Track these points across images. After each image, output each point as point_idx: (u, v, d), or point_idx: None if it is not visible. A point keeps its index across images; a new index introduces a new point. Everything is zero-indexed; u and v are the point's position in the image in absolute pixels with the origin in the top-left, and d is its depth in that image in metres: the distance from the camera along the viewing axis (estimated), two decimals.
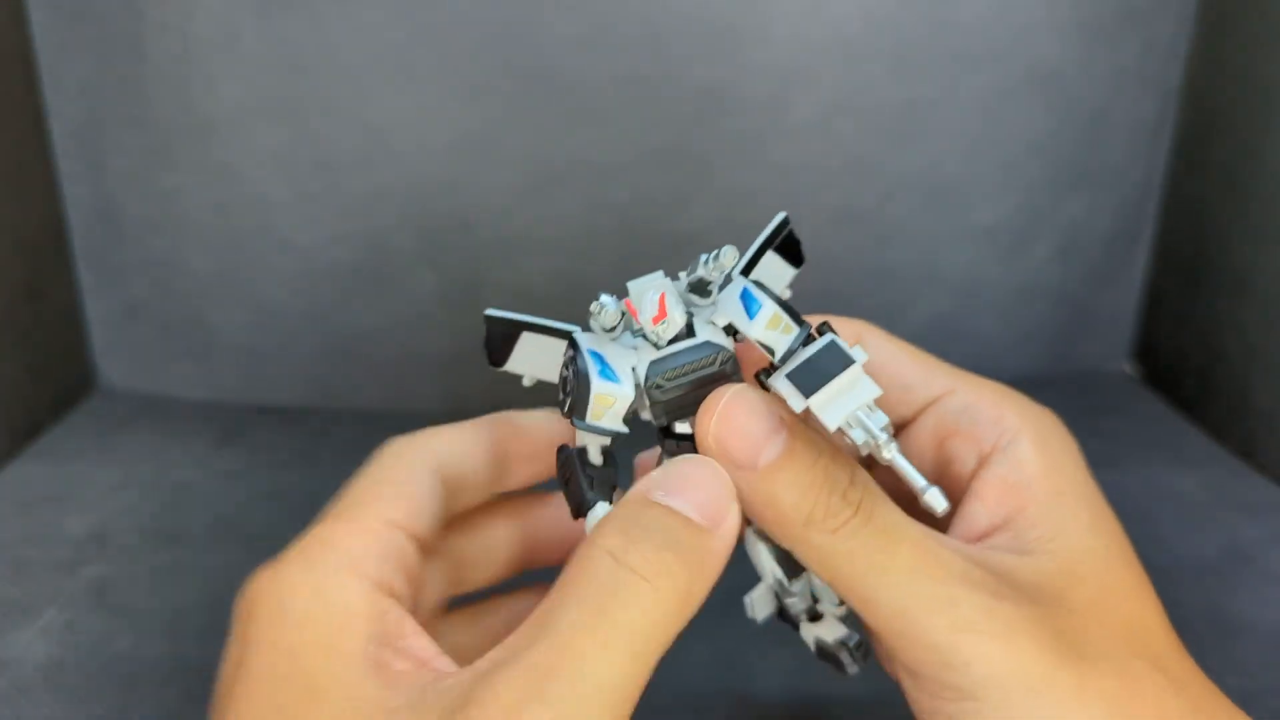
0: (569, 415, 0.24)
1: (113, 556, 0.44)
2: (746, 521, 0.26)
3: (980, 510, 0.26)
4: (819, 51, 0.56)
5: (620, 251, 0.59)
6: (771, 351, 0.24)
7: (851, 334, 0.29)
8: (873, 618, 0.23)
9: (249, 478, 0.51)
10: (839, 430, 0.23)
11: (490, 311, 0.26)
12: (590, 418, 0.24)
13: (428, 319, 0.59)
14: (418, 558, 0.25)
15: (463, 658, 0.23)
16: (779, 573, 0.28)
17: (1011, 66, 0.57)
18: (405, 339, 0.60)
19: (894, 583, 0.23)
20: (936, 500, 0.23)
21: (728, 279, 0.25)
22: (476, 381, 0.59)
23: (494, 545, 0.30)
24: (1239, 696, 0.30)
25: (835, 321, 0.26)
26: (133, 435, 0.56)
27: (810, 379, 0.23)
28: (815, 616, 0.29)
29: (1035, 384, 0.63)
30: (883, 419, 0.23)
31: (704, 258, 0.24)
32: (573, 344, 0.25)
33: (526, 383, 0.27)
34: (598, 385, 0.23)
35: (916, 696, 0.24)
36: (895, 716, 0.27)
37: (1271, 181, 0.52)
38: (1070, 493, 0.26)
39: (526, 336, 0.26)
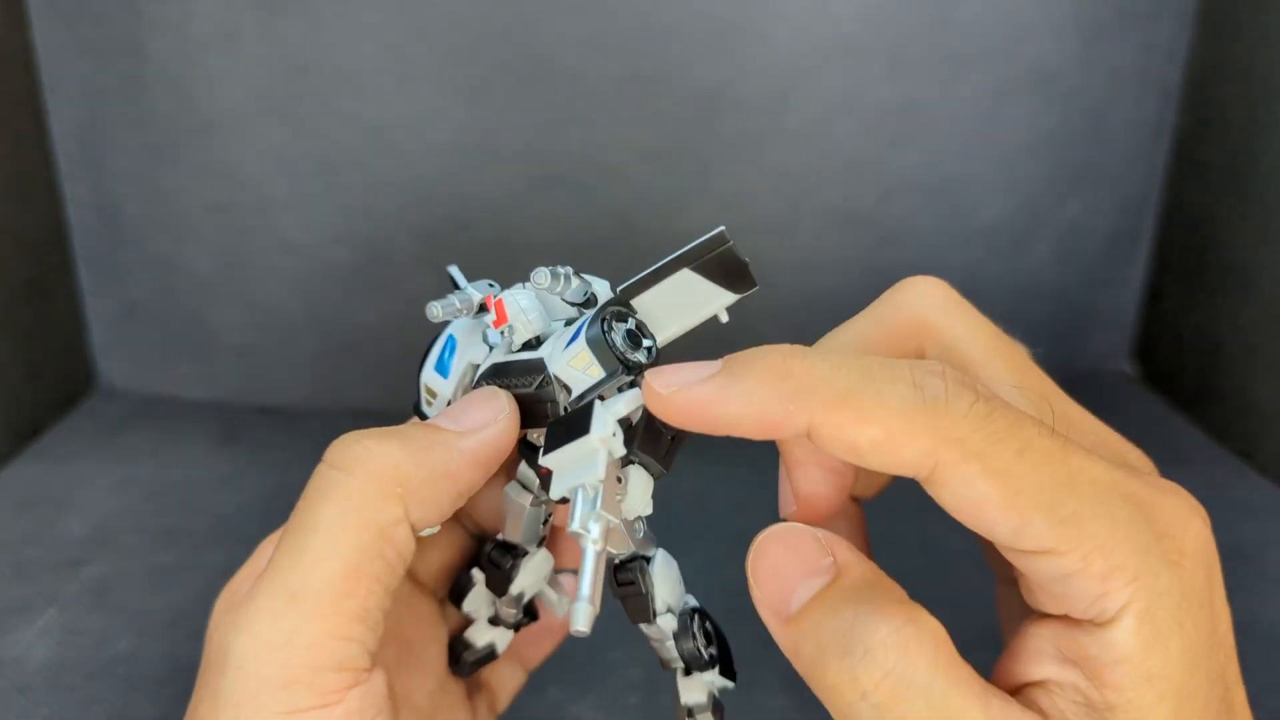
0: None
1: (113, 556, 0.44)
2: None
3: (1045, 665, 0.22)
4: (819, 51, 0.56)
5: (620, 251, 0.59)
6: (568, 390, 0.23)
7: (910, 323, 0.25)
8: None
9: (249, 478, 0.51)
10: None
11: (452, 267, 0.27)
12: (423, 405, 0.24)
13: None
14: (391, 597, 0.23)
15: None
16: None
17: (1011, 66, 0.57)
18: (405, 339, 0.60)
19: None
20: (578, 619, 0.19)
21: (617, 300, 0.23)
22: None
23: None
24: None
25: (918, 282, 0.25)
26: (133, 435, 0.56)
27: (558, 436, 0.21)
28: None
29: None
30: (605, 517, 0.20)
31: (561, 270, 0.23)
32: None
33: None
34: (426, 375, 0.24)
35: None
36: None
37: (1271, 181, 0.52)
38: (1162, 676, 0.21)
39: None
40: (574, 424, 0.21)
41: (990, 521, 0.20)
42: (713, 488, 0.49)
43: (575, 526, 0.20)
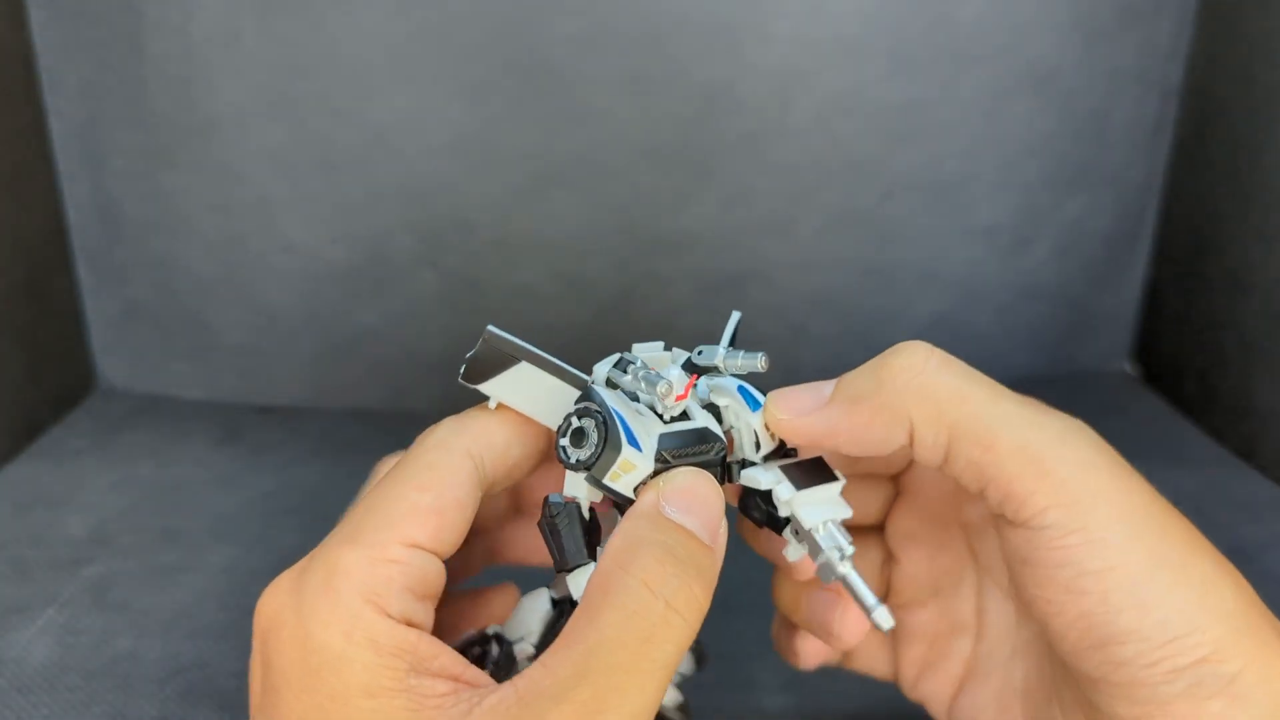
0: (582, 469, 0.24)
1: (113, 556, 0.44)
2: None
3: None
4: (819, 51, 0.56)
5: (620, 251, 0.59)
6: (757, 446, 0.26)
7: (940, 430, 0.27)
8: (991, 463, 0.24)
9: (249, 478, 0.51)
10: (807, 531, 0.26)
11: (492, 329, 0.25)
12: (608, 479, 0.24)
13: (428, 319, 0.59)
14: (441, 575, 0.25)
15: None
16: None
17: (1011, 66, 0.57)
18: (405, 339, 0.60)
19: (990, 411, 0.24)
20: (884, 619, 0.26)
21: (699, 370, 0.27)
22: None
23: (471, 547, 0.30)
24: None
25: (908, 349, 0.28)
26: (133, 435, 0.56)
27: (799, 479, 0.26)
28: None
29: (1035, 384, 0.63)
30: (847, 539, 0.26)
31: (722, 352, 0.27)
32: (591, 397, 0.25)
33: (492, 404, 0.26)
34: (627, 451, 0.24)
35: (1036, 554, 0.24)
36: (893, 718, 0.27)
37: (1271, 181, 0.52)
38: (1110, 500, 0.25)
39: (525, 367, 0.26)
40: (804, 470, 0.26)
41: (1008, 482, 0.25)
42: None
43: (840, 566, 0.26)
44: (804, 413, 0.26)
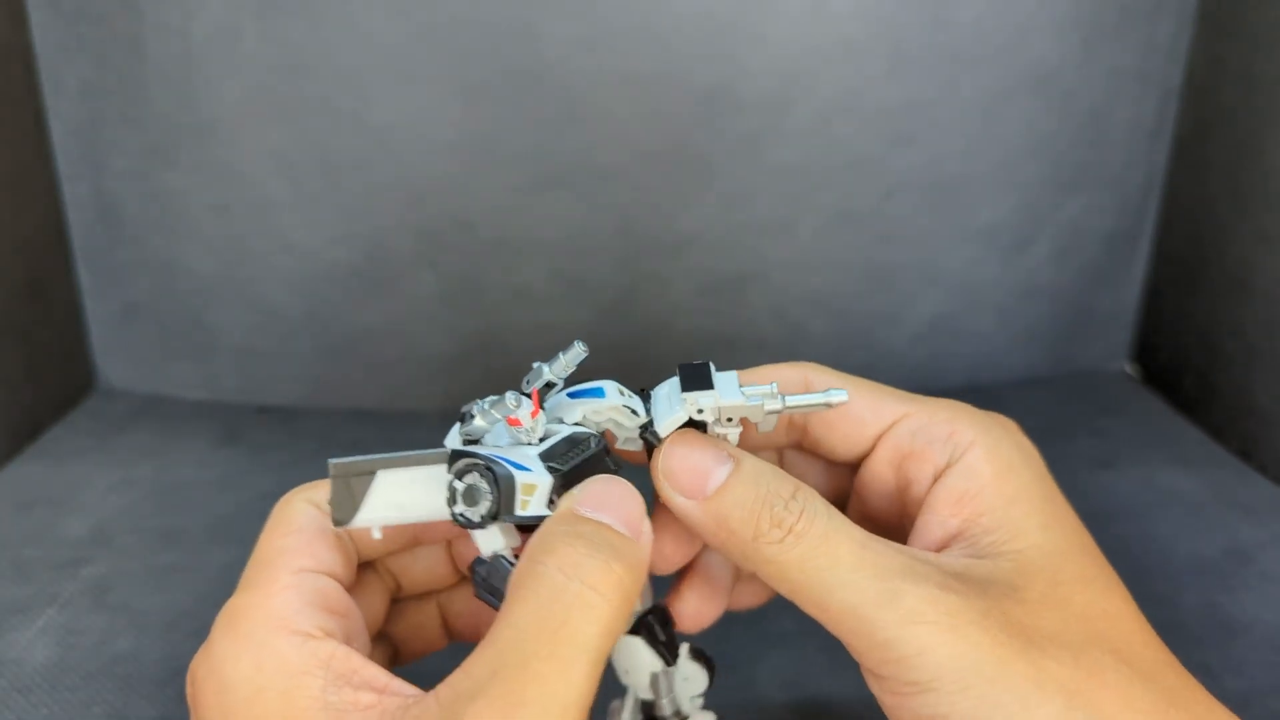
0: (492, 518, 0.24)
1: (113, 556, 0.44)
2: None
3: (934, 522, 0.27)
4: (819, 51, 0.56)
5: (620, 252, 0.59)
6: (635, 413, 0.27)
7: (798, 377, 0.29)
8: (829, 622, 0.24)
9: (249, 478, 0.51)
10: (731, 405, 0.27)
11: (333, 460, 0.26)
12: (519, 508, 0.24)
13: (428, 319, 0.59)
14: (341, 592, 0.26)
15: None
16: (658, 665, 0.28)
17: (1010, 66, 0.57)
18: (405, 339, 0.60)
19: (840, 583, 0.24)
20: (838, 396, 0.26)
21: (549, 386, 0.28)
22: (476, 381, 0.59)
23: (432, 556, 0.30)
24: (1238, 696, 0.30)
25: (782, 367, 0.29)
26: (133, 435, 0.56)
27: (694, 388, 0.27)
28: None
29: (1035, 384, 0.63)
30: (766, 386, 0.27)
31: (545, 366, 0.27)
32: (465, 455, 0.25)
33: (376, 534, 0.26)
34: (520, 475, 0.24)
35: (884, 699, 0.24)
36: None
37: (1271, 181, 0.52)
38: (1023, 498, 0.26)
39: (383, 475, 0.26)
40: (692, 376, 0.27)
41: (857, 411, 0.28)
42: None
43: (766, 403, 0.26)
44: (689, 495, 0.26)
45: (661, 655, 0.28)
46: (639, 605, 0.28)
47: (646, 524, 0.25)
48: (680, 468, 0.26)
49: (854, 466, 0.30)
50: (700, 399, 0.26)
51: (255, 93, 0.55)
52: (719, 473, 0.25)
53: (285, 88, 0.55)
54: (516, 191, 0.57)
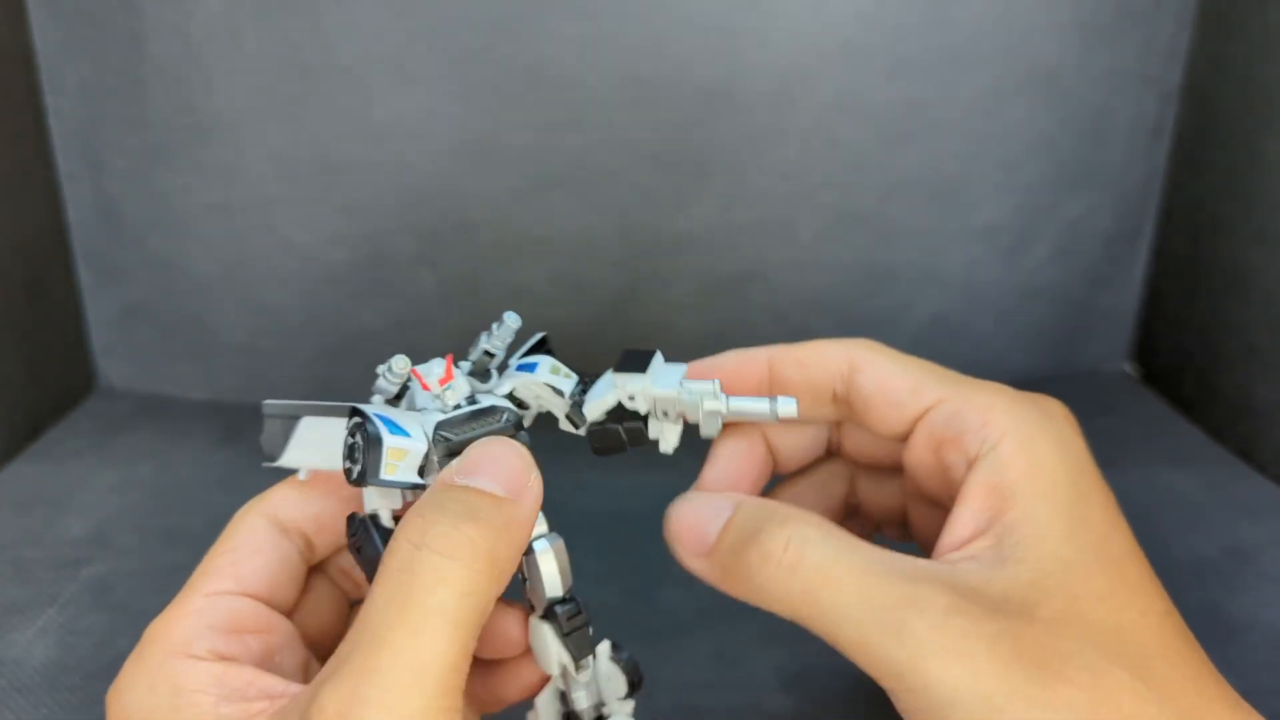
0: (359, 481, 0.24)
1: (113, 556, 0.44)
2: (530, 607, 0.27)
3: (965, 516, 0.26)
4: (819, 52, 0.56)
5: (620, 252, 0.59)
6: (559, 392, 0.28)
7: (844, 356, 0.30)
8: (843, 652, 0.24)
9: (249, 478, 0.51)
10: (670, 398, 0.27)
11: (267, 402, 0.26)
12: (384, 473, 0.24)
13: (428, 319, 0.59)
14: (259, 610, 0.26)
15: None
16: (565, 657, 0.27)
17: (1011, 66, 0.57)
18: (405, 339, 0.60)
19: (845, 617, 0.24)
20: (787, 407, 0.27)
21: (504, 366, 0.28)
22: None
23: None
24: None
25: (834, 343, 0.30)
26: (133, 435, 0.56)
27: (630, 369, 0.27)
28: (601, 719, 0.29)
29: (1035, 384, 0.63)
30: (709, 382, 0.27)
31: (483, 335, 0.27)
32: (358, 413, 0.25)
33: (303, 476, 0.27)
34: (390, 440, 0.24)
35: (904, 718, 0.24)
36: (893, 718, 0.27)
37: (1271, 181, 0.52)
38: (1050, 496, 0.26)
39: (306, 422, 0.26)
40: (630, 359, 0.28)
41: (896, 394, 0.28)
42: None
43: (708, 404, 0.27)
44: (695, 554, 0.26)
45: (567, 649, 0.27)
46: (559, 591, 0.26)
47: (534, 479, 0.24)
48: (681, 528, 0.26)
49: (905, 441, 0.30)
50: (629, 383, 0.26)
51: (255, 93, 0.55)
52: (716, 525, 0.26)
53: (285, 87, 0.55)
54: (516, 192, 0.57)
